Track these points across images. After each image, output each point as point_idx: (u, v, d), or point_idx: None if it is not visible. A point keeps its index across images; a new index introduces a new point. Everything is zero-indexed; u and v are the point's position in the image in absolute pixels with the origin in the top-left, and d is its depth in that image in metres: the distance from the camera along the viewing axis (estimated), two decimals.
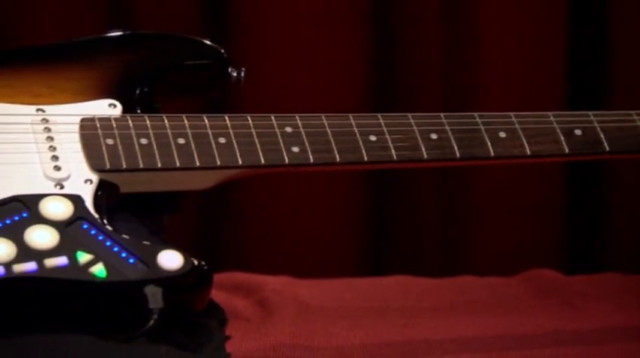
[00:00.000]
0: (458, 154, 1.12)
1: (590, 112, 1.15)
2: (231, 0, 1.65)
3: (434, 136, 1.12)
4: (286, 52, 1.69)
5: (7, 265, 0.96)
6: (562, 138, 1.14)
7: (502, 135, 1.13)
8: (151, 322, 0.97)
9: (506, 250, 1.76)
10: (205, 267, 1.01)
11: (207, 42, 1.16)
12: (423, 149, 1.11)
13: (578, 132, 1.14)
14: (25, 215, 1.00)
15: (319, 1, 1.69)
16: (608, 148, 1.14)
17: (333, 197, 1.73)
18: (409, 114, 1.12)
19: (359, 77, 1.71)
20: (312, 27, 1.69)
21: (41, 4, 1.56)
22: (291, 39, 1.69)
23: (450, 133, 1.12)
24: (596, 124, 1.15)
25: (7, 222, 0.99)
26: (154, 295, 0.98)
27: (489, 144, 1.12)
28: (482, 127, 1.13)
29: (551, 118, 1.15)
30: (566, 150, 1.13)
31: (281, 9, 1.67)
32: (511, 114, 1.14)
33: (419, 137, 1.11)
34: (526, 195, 1.77)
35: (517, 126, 1.14)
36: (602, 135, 1.14)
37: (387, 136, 1.11)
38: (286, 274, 1.44)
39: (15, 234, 0.98)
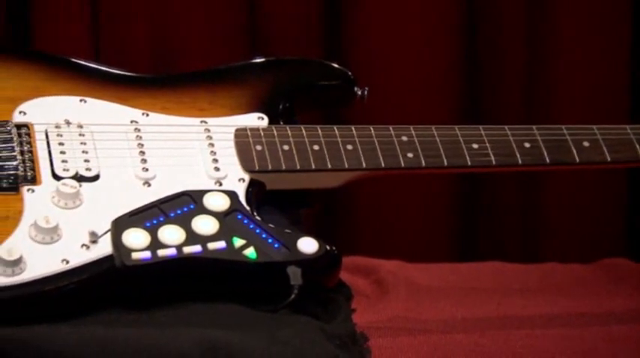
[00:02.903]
0: (548, 160, 1.15)
1: None
2: (341, 31, 1.69)
3: (527, 145, 1.15)
4: (389, 67, 1.71)
5: (179, 247, 1.02)
6: (638, 147, 1.16)
7: (586, 144, 1.16)
8: (292, 296, 1.02)
9: (575, 241, 1.76)
10: (336, 252, 1.06)
11: (337, 66, 1.20)
12: (518, 155, 1.14)
13: None
14: (192, 207, 1.06)
15: (416, 19, 1.70)
16: None
17: (431, 195, 1.74)
18: (506, 126, 1.16)
19: (451, 80, 1.72)
20: (410, 45, 1.71)
21: (195, 35, 1.63)
22: (391, 56, 1.71)
23: (540, 142, 1.15)
24: None
25: (179, 212, 1.05)
26: (295, 274, 1.03)
27: (575, 152, 1.15)
28: (568, 137, 1.16)
29: (628, 130, 1.17)
30: None
31: (382, 35, 1.69)
32: (593, 126, 1.17)
33: (514, 145, 1.15)
34: (593, 194, 1.76)
35: (599, 136, 1.16)
36: None
37: (487, 144, 1.15)
38: (394, 258, 1.46)
39: (184, 222, 1.04)
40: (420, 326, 1.18)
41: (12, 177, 1.04)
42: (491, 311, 1.24)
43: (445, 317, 1.22)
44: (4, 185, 1.04)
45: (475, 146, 1.14)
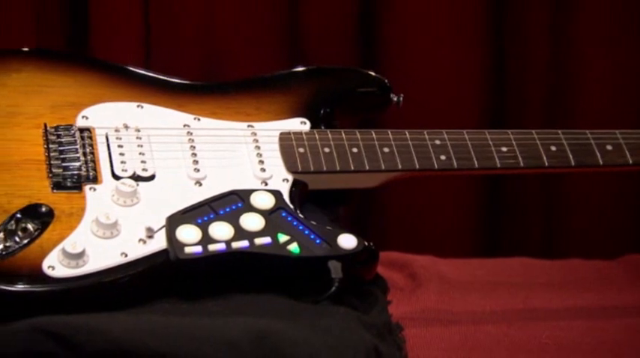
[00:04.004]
0: (573, 163, 1.16)
1: None
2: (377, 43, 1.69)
3: (553, 148, 1.16)
4: (420, 72, 1.70)
5: (228, 242, 1.04)
6: None
7: (609, 148, 1.17)
8: (333, 289, 1.04)
9: (596, 238, 1.76)
10: (373, 247, 1.08)
11: (374, 74, 1.22)
12: (545, 158, 1.16)
13: None
14: (240, 205, 1.08)
15: (445, 30, 1.70)
16: None
17: (458, 195, 1.74)
18: (533, 131, 1.17)
19: (478, 87, 1.72)
20: (440, 54, 1.70)
21: (239, 42, 1.63)
22: (422, 65, 1.70)
23: (566, 146, 1.17)
24: None
25: (227, 210, 1.07)
26: (336, 268, 1.05)
27: (598, 155, 1.17)
28: (592, 141, 1.17)
29: None
30: None
31: (414, 46, 1.69)
32: (616, 131, 1.18)
33: (541, 149, 1.16)
34: (613, 193, 1.76)
35: (621, 140, 1.18)
36: None
37: (516, 148, 1.16)
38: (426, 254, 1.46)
39: (233, 219, 1.06)
40: (451, 317, 1.20)
41: (75, 177, 1.08)
42: (518, 303, 1.25)
43: (474, 309, 1.23)
44: (69, 184, 1.07)
45: (504, 149, 1.16)
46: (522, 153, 1.15)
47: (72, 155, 1.09)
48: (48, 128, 1.11)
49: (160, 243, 1.03)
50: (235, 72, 1.61)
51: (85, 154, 1.09)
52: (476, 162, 1.14)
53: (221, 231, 1.05)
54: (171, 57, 1.61)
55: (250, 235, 1.05)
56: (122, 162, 1.10)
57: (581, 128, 1.19)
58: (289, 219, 1.07)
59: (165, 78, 1.19)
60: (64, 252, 1.00)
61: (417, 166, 1.14)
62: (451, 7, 1.69)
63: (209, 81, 1.21)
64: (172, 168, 1.10)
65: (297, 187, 1.11)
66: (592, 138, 1.17)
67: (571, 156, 1.16)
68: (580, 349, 1.14)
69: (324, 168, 1.12)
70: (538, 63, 1.71)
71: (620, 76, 1.73)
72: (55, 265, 1.00)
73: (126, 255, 1.02)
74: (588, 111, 1.71)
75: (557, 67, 1.72)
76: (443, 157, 1.14)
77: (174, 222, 1.04)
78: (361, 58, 1.68)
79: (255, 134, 1.14)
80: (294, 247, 1.05)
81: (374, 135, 1.15)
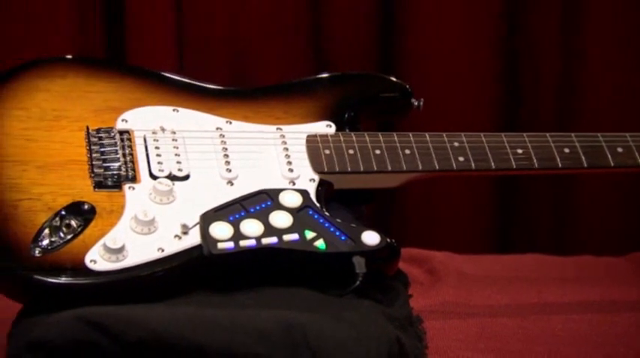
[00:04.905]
0: (585, 164, 1.17)
1: None
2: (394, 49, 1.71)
3: (566, 150, 1.18)
4: (438, 78, 1.72)
5: (258, 239, 1.06)
6: None
7: (619, 150, 1.19)
8: (357, 283, 1.06)
9: (604, 235, 1.77)
10: (395, 244, 1.09)
11: (396, 80, 1.24)
12: (558, 160, 1.17)
13: None
14: (269, 203, 1.10)
15: (460, 38, 1.72)
16: None
17: (473, 195, 1.76)
18: (547, 134, 1.19)
19: (493, 92, 1.73)
20: (455, 60, 1.72)
21: (266, 55, 1.66)
22: (440, 68, 1.72)
23: (579, 148, 1.18)
24: None
25: (257, 208, 1.09)
26: (360, 263, 1.06)
27: (610, 156, 1.18)
28: (604, 144, 1.19)
29: None
30: None
31: (430, 52, 1.71)
32: (626, 134, 1.20)
33: (555, 151, 1.18)
34: (621, 193, 1.77)
35: (631, 143, 1.19)
36: None
37: (530, 150, 1.17)
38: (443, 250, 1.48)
39: (262, 217, 1.08)
40: (468, 310, 1.21)
41: (116, 177, 1.10)
42: (532, 297, 1.27)
43: (491, 302, 1.25)
44: (109, 183, 1.09)
45: (519, 151, 1.17)
46: (537, 155, 1.17)
47: (112, 156, 1.11)
48: (90, 131, 1.13)
49: (194, 238, 1.05)
50: (261, 71, 1.64)
51: (124, 155, 1.11)
52: (493, 164, 1.16)
53: (251, 227, 1.06)
54: (202, 57, 1.63)
55: (279, 232, 1.06)
56: (159, 163, 1.12)
57: (592, 131, 1.20)
58: (316, 216, 1.09)
59: (199, 83, 1.20)
60: (105, 247, 1.03)
61: (437, 167, 1.15)
62: (467, 15, 1.70)
63: (239, 85, 1.22)
64: (206, 169, 1.12)
65: (323, 187, 1.13)
66: (603, 141, 1.19)
67: (583, 158, 1.17)
68: (591, 340, 1.16)
69: (349, 169, 1.14)
70: (550, 69, 1.72)
71: (630, 79, 1.73)
72: (97, 259, 1.02)
73: (162, 250, 1.04)
74: (600, 115, 1.72)
75: (568, 73, 1.72)
76: (461, 159, 1.16)
77: (207, 219, 1.06)
78: (380, 60, 1.68)
79: (283, 136, 1.16)
80: (320, 243, 1.06)
81: (396, 138, 1.16)
